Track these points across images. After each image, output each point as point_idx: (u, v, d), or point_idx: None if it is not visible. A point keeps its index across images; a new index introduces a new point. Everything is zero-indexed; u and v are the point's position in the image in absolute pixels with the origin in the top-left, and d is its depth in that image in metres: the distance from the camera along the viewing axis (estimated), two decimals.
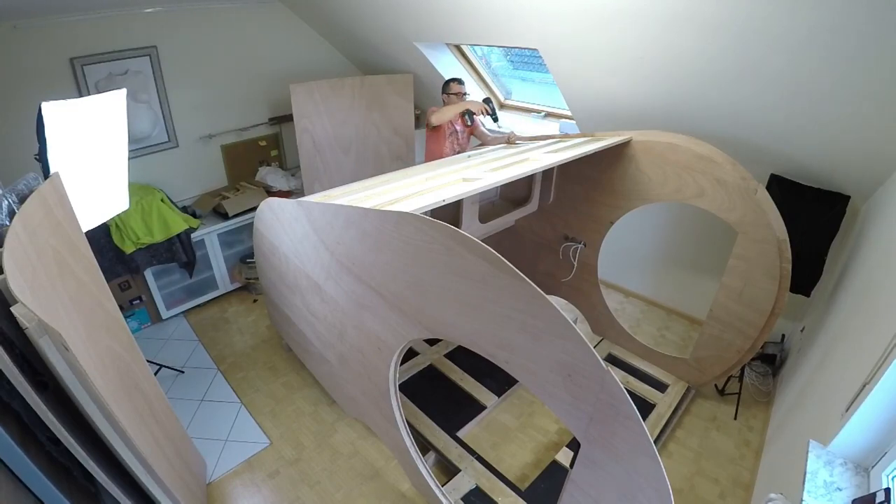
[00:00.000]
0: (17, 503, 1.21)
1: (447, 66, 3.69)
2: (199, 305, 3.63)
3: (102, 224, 2.29)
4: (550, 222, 3.16)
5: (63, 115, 1.75)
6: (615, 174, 2.67)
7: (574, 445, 1.36)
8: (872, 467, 1.39)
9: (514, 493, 2.16)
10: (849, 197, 2.31)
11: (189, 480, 2.00)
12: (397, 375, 1.98)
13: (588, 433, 1.26)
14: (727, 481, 2.31)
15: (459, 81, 3.19)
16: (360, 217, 1.73)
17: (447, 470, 2.34)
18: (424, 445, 2.40)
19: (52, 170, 1.70)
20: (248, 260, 3.66)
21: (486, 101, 2.96)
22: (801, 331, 2.76)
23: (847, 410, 1.43)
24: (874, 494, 1.27)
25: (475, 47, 3.64)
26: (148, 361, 2.07)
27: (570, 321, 1.17)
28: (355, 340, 2.10)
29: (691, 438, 2.56)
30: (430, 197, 1.85)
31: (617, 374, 2.23)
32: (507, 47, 3.41)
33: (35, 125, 1.68)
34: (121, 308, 2.03)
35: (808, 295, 2.51)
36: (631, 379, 2.85)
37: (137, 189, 3.12)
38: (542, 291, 1.20)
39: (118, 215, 2.43)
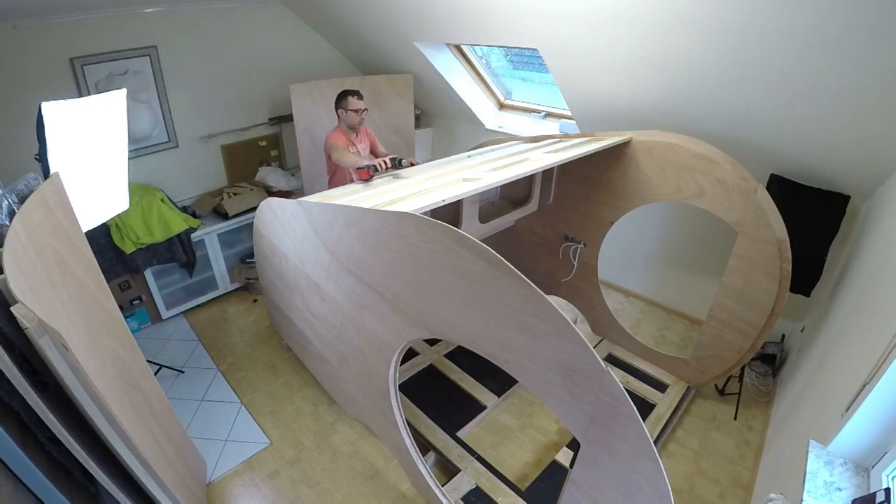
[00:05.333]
0: (17, 503, 1.21)
1: (447, 66, 3.69)
2: (199, 305, 3.63)
3: (102, 224, 2.29)
4: (550, 222, 3.16)
5: (63, 115, 1.75)
6: (615, 174, 2.67)
7: (574, 445, 1.36)
8: (872, 467, 1.39)
9: (514, 493, 2.16)
10: (849, 197, 2.31)
11: (189, 480, 2.00)
12: (397, 375, 1.98)
13: (588, 433, 1.26)
14: (727, 481, 2.31)
15: (359, 96, 2.83)
16: (360, 217, 1.73)
17: (447, 470, 2.34)
18: (424, 445, 2.40)
19: (52, 170, 1.70)
20: (248, 260, 3.66)
21: (398, 162, 2.48)
22: (801, 331, 2.76)
23: (847, 410, 1.43)
24: (874, 494, 1.27)
25: (475, 47, 3.64)
26: (148, 361, 2.07)
27: (570, 321, 1.17)
28: (355, 340, 2.10)
29: (691, 438, 2.56)
30: (430, 197, 1.85)
31: (617, 374, 2.23)
32: (507, 47, 3.41)
33: (35, 125, 1.68)
34: (121, 308, 2.02)
35: (808, 295, 2.51)
36: (631, 379, 2.85)
37: (137, 189, 3.12)
38: (541, 291, 1.20)
39: (118, 215, 2.42)
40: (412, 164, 2.55)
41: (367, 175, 2.41)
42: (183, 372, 3.00)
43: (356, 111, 2.85)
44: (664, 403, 2.66)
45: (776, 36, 1.85)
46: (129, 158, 2.25)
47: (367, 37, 3.72)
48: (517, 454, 2.45)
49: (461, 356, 2.97)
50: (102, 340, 1.60)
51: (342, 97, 2.84)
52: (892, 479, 1.29)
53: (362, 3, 3.21)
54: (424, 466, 2.08)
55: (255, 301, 3.71)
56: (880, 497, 1.23)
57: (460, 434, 2.48)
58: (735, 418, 2.66)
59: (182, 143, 3.53)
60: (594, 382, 1.17)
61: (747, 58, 2.03)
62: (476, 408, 2.65)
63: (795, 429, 1.98)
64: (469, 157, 2.68)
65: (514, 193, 3.06)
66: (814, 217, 2.36)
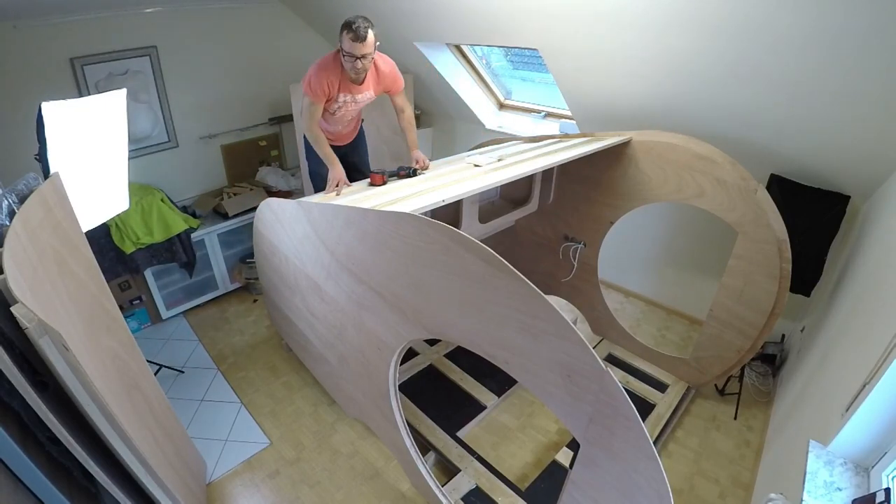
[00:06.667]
0: (17, 503, 1.21)
1: (447, 66, 3.69)
2: (199, 305, 3.63)
3: (102, 224, 2.29)
4: (550, 222, 3.16)
5: (63, 115, 1.75)
6: (615, 174, 2.67)
7: (574, 445, 1.36)
8: (872, 467, 1.39)
9: (514, 493, 2.16)
10: (849, 197, 2.31)
11: (189, 480, 2.00)
12: (397, 375, 1.98)
13: (588, 433, 1.25)
14: (727, 481, 2.31)
15: (356, 35, 2.04)
16: (360, 217, 1.73)
17: (447, 470, 2.34)
18: (424, 445, 2.40)
19: (52, 170, 1.70)
20: (248, 260, 3.66)
21: (413, 171, 2.27)
22: (801, 331, 2.76)
23: (847, 410, 1.43)
24: (874, 494, 1.27)
25: (475, 47, 3.64)
26: (148, 361, 2.07)
27: (570, 321, 1.17)
28: (355, 340, 2.10)
29: (691, 438, 2.56)
30: (430, 197, 1.85)
31: (617, 374, 2.23)
32: (507, 47, 3.41)
33: (35, 125, 1.68)
34: (121, 308, 2.03)
35: (808, 295, 2.51)
36: (631, 379, 2.85)
37: (137, 189, 3.12)
38: (541, 292, 1.20)
39: (118, 215, 2.43)
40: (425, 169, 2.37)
41: (381, 181, 2.18)
42: (183, 372, 3.00)
43: (350, 56, 2.07)
44: (664, 403, 2.66)
45: (776, 36, 1.85)
46: (129, 158, 2.25)
47: None
48: (517, 454, 2.45)
49: (461, 356, 2.97)
50: (102, 340, 1.60)
51: (340, 31, 2.09)
52: (892, 479, 1.29)
53: (362, 4, 3.21)
54: (424, 466, 2.08)
55: (255, 301, 3.71)
56: (880, 497, 1.23)
57: (460, 434, 2.48)
58: (735, 418, 2.66)
59: (182, 143, 3.53)
60: (594, 382, 1.17)
61: (747, 58, 2.02)
62: (476, 408, 2.65)
63: (795, 429, 1.98)
64: (469, 156, 2.68)
65: (514, 193, 3.06)
66: (814, 217, 2.35)
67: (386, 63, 2.38)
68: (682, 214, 3.21)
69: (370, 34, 2.09)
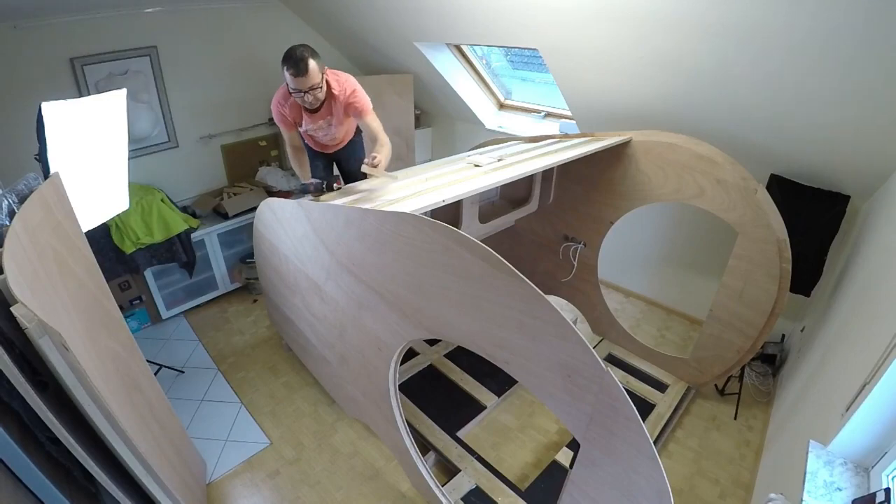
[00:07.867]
0: (17, 503, 1.21)
1: (447, 66, 3.69)
2: (199, 305, 3.63)
3: (102, 224, 2.29)
4: (550, 222, 3.16)
5: (63, 115, 1.75)
6: (615, 174, 2.67)
7: (574, 445, 1.36)
8: (872, 467, 1.39)
9: (514, 493, 2.16)
10: (849, 197, 2.31)
11: (189, 480, 2.00)
12: (397, 375, 1.98)
13: (588, 434, 1.25)
14: (727, 481, 2.31)
15: (297, 69, 1.96)
16: (360, 217, 1.73)
17: (447, 470, 2.34)
18: (424, 445, 2.40)
19: (52, 170, 1.70)
20: (248, 260, 3.66)
21: (325, 186, 2.16)
22: (801, 331, 2.76)
23: (847, 410, 1.43)
24: (874, 494, 1.27)
25: (475, 47, 3.64)
26: (148, 361, 2.07)
27: (570, 321, 1.17)
28: (355, 341, 2.10)
29: (691, 438, 2.56)
30: (430, 197, 1.85)
31: (617, 375, 2.23)
32: (507, 47, 3.41)
33: (35, 125, 1.68)
34: (121, 308, 2.03)
35: (808, 295, 2.51)
36: (631, 379, 2.85)
37: (137, 189, 3.12)
38: (541, 292, 1.20)
39: (118, 215, 2.43)
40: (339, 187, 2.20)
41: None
42: (183, 372, 3.00)
43: (296, 91, 2.03)
44: (664, 403, 2.66)
45: (775, 36, 1.85)
46: (129, 158, 2.25)
47: (367, 37, 3.72)
48: (517, 454, 2.45)
49: (461, 356, 2.97)
50: (102, 340, 1.60)
51: (281, 65, 2.00)
52: (892, 479, 1.30)
53: (362, 4, 3.21)
54: (424, 466, 2.08)
55: (255, 301, 3.71)
56: (880, 497, 1.23)
57: (460, 434, 2.48)
58: (735, 418, 2.66)
59: (182, 143, 3.53)
60: (594, 382, 1.17)
61: (747, 57, 2.03)
62: (476, 408, 2.65)
63: (795, 429, 1.98)
64: (469, 156, 2.68)
65: (514, 193, 3.06)
66: (814, 217, 2.36)
67: (341, 87, 2.21)
68: (682, 214, 3.21)
69: (312, 64, 1.98)
